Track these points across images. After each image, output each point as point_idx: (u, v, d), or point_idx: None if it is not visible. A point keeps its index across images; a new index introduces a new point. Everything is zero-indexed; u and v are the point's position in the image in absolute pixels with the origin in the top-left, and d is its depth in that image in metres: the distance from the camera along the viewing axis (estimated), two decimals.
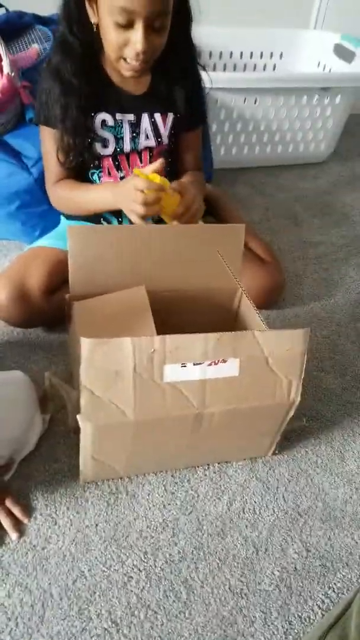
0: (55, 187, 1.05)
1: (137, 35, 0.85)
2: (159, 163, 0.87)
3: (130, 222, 1.09)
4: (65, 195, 1.04)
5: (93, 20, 0.89)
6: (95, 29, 0.90)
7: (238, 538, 0.79)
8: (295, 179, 1.79)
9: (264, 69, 1.96)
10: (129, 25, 0.84)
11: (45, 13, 1.42)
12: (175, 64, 0.97)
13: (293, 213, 1.61)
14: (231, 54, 1.89)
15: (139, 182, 0.85)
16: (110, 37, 0.87)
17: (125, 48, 0.88)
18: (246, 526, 0.81)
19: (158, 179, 0.86)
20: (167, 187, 0.87)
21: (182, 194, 0.89)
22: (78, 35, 0.91)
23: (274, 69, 1.97)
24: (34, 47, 1.35)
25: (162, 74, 0.98)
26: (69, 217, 1.16)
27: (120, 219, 1.10)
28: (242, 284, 0.92)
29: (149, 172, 0.87)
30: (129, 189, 0.86)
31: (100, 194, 0.99)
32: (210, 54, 1.86)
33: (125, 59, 0.90)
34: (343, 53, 1.80)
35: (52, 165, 1.03)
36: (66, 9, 0.90)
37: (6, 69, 1.20)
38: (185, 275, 0.93)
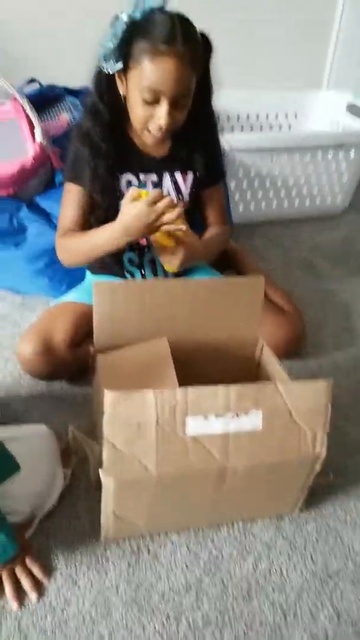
0: (62, 238, 1.06)
1: (161, 112, 0.91)
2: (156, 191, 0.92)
3: (154, 274, 1.12)
4: (73, 244, 1.04)
5: (121, 91, 0.96)
6: (123, 100, 0.96)
7: (265, 602, 0.76)
8: (312, 231, 1.81)
9: (280, 129, 2.04)
10: (154, 102, 0.91)
11: (75, 86, 1.53)
12: (196, 132, 1.03)
13: (311, 264, 1.62)
14: (248, 115, 1.98)
15: (148, 198, 0.89)
16: (137, 111, 0.94)
17: (149, 121, 0.94)
18: (273, 589, 0.77)
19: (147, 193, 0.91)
20: None
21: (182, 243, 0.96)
22: (107, 104, 0.98)
23: (289, 128, 2.05)
24: (64, 117, 1.45)
25: (182, 140, 1.04)
26: (94, 272, 1.19)
27: (143, 272, 1.13)
28: (262, 335, 0.92)
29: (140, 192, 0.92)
30: (140, 212, 0.89)
31: (105, 234, 0.98)
32: (228, 117, 1.95)
33: (148, 130, 0.96)
34: (356, 111, 1.87)
35: (66, 219, 1.06)
36: (98, 80, 0.97)
37: (38, 137, 1.28)
38: (207, 326, 0.94)
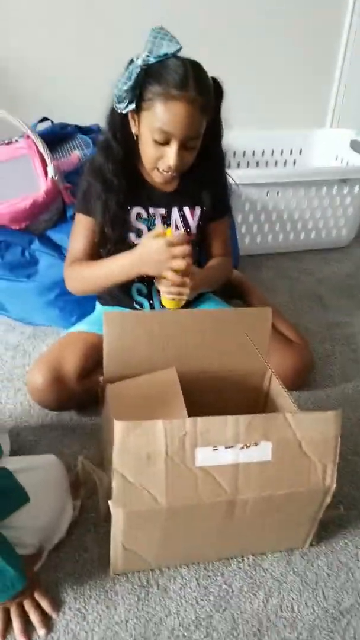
0: (71, 266, 1.09)
1: (171, 152, 0.95)
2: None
3: (161, 305, 1.14)
4: (82, 272, 1.07)
5: (133, 130, 1.00)
6: (135, 138, 1.00)
7: (276, 639, 0.74)
8: (318, 263, 1.84)
9: (285, 164, 2.09)
10: (165, 143, 0.95)
11: (86, 124, 1.58)
12: (205, 170, 1.06)
13: (318, 295, 1.64)
14: (253, 152, 2.04)
15: (171, 239, 0.93)
16: (148, 150, 0.98)
17: (159, 161, 0.98)
18: (284, 626, 0.76)
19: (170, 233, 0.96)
20: None
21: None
22: (120, 142, 1.02)
23: (294, 164, 2.10)
24: (75, 153, 1.50)
25: (191, 177, 1.07)
26: (104, 303, 1.21)
27: (151, 302, 1.15)
28: (270, 366, 0.93)
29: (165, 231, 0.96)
30: (159, 249, 0.94)
31: (117, 263, 1.02)
32: (235, 153, 2.00)
33: (158, 169, 0.99)
34: (359, 147, 1.92)
35: (75, 249, 1.10)
36: (111, 119, 1.01)
37: (50, 173, 1.32)
38: (215, 357, 0.95)
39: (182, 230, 1.11)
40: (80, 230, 1.09)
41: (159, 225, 0.96)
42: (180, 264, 0.94)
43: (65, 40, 1.85)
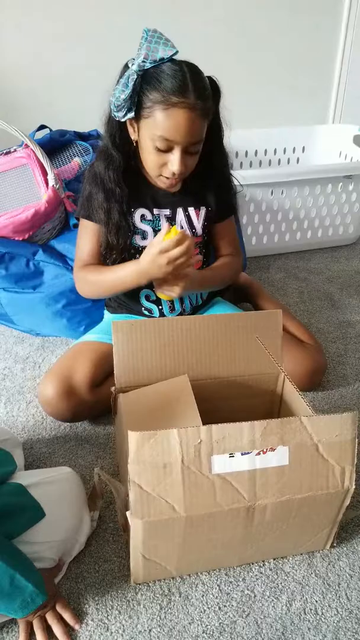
0: (82, 270, 1.10)
1: (174, 159, 0.95)
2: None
3: (171, 310, 1.14)
4: (93, 278, 1.08)
5: (133, 137, 0.99)
6: (134, 144, 1.00)
7: None
8: (327, 262, 1.83)
9: (288, 163, 2.08)
10: (167, 150, 0.94)
11: (84, 130, 1.58)
12: (208, 169, 1.06)
13: (328, 294, 1.63)
14: (256, 152, 2.03)
15: (162, 245, 0.93)
16: (150, 158, 0.97)
17: (163, 168, 0.97)
18: (309, 629, 0.75)
19: (176, 232, 0.94)
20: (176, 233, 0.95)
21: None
22: (120, 149, 1.01)
23: (297, 161, 2.09)
24: (75, 161, 1.50)
25: (195, 178, 1.06)
26: (113, 311, 1.22)
27: (160, 307, 1.15)
28: (283, 368, 0.93)
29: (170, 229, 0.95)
30: (153, 255, 0.94)
31: (126, 270, 1.03)
32: (237, 154, 2.00)
33: (162, 175, 0.99)
34: None
35: (83, 252, 1.10)
36: (109, 126, 1.00)
37: (51, 181, 1.33)
38: (227, 362, 0.94)
39: (187, 229, 1.10)
40: (87, 234, 1.09)
41: (164, 226, 0.96)
42: (167, 269, 0.94)
43: (61, 45, 1.86)
